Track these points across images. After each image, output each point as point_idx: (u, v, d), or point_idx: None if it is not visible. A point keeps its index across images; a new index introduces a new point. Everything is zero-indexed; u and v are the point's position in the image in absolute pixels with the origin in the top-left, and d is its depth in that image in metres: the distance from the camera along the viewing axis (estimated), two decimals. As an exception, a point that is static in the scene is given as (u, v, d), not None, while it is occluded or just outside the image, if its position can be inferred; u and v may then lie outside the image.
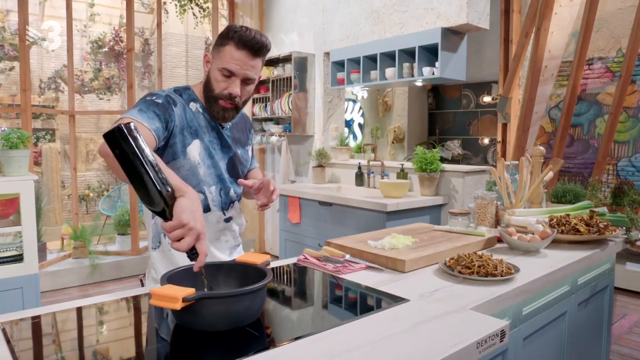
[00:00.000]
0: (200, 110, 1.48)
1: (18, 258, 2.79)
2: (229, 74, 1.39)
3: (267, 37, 1.43)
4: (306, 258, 1.64)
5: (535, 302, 1.57)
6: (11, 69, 5.49)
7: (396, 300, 1.25)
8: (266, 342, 1.05)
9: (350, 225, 3.38)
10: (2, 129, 2.71)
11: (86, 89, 6.01)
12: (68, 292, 4.05)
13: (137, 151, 0.96)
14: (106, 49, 6.24)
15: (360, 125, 6.66)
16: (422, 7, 3.52)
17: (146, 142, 1.17)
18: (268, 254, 5.33)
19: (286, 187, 4.14)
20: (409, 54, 3.60)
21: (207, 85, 1.44)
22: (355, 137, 6.60)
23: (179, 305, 0.97)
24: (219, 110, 1.44)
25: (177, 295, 0.97)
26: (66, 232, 4.66)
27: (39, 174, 5.79)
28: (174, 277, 1.13)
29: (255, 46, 1.37)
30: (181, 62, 6.73)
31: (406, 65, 3.59)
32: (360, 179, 4.05)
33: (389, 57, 3.76)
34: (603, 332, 2.18)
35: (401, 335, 1.03)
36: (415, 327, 1.08)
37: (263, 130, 5.10)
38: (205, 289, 1.11)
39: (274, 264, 1.65)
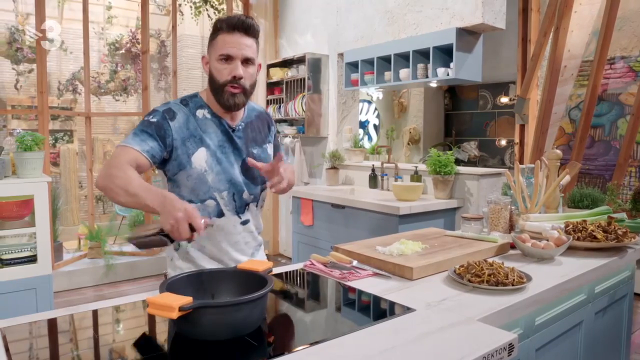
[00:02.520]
0: (209, 116, 1.49)
1: (32, 259, 2.82)
2: (227, 58, 1.41)
3: (253, 19, 1.47)
4: (313, 264, 1.62)
5: (549, 312, 1.51)
6: (30, 71, 5.59)
7: (402, 309, 1.21)
8: (265, 352, 1.03)
9: (362, 228, 3.35)
10: (17, 131, 2.74)
11: (102, 90, 6.08)
12: (83, 292, 4.10)
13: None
14: (123, 51, 6.31)
15: (375, 126, 6.61)
16: (436, 7, 3.47)
17: (138, 164, 1.37)
18: (281, 255, 5.35)
19: (299, 189, 4.12)
20: (423, 54, 3.55)
21: (211, 80, 1.46)
22: (370, 138, 6.55)
23: (175, 315, 0.95)
24: (228, 97, 1.44)
25: (174, 305, 0.95)
26: (83, 232, 4.72)
27: (57, 175, 5.88)
28: (174, 285, 1.12)
29: (243, 25, 1.42)
30: (197, 63, 6.76)
31: (420, 66, 3.54)
32: (373, 181, 4.01)
33: (403, 58, 3.71)
34: (622, 341, 2.10)
35: (405, 347, 1.00)
36: (419, 338, 1.04)
37: (277, 132, 5.09)
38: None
39: (281, 269, 1.62)
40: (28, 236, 2.96)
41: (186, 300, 0.97)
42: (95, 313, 1.24)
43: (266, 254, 5.16)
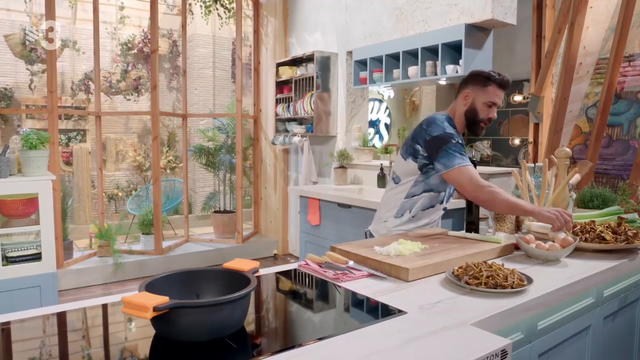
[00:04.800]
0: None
1: (37, 257, 2.83)
2: (492, 105, 1.98)
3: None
4: (307, 264, 1.57)
5: (553, 316, 1.45)
6: (44, 71, 5.64)
7: (392, 312, 1.16)
8: (245, 354, 0.99)
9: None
10: (23, 129, 2.76)
11: (113, 90, 6.12)
12: (91, 290, 4.12)
13: None
14: (135, 51, 6.35)
15: (386, 125, 6.54)
16: (445, 3, 3.39)
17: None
18: (291, 255, 5.32)
19: (306, 189, 4.08)
20: (432, 51, 3.48)
21: (472, 113, 1.99)
22: (381, 137, 6.48)
23: (149, 315, 0.92)
24: (478, 129, 2.02)
25: (148, 304, 0.92)
26: (93, 231, 4.75)
27: (70, 174, 5.94)
28: (156, 284, 1.09)
29: (507, 85, 1.98)
30: (208, 63, 6.78)
31: (429, 63, 3.47)
32: (382, 180, 3.95)
33: (412, 55, 3.64)
34: (634, 347, 2.01)
35: (390, 352, 0.95)
36: (407, 343, 1.00)
37: (286, 131, 5.07)
38: None
39: (273, 269, 1.59)
40: (35, 234, 2.98)
41: (162, 299, 0.94)
42: (73, 311, 1.22)
43: (275, 254, 5.13)
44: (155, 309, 0.92)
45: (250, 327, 1.12)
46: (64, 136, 5.98)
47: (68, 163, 5.95)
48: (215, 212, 5.61)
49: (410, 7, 3.70)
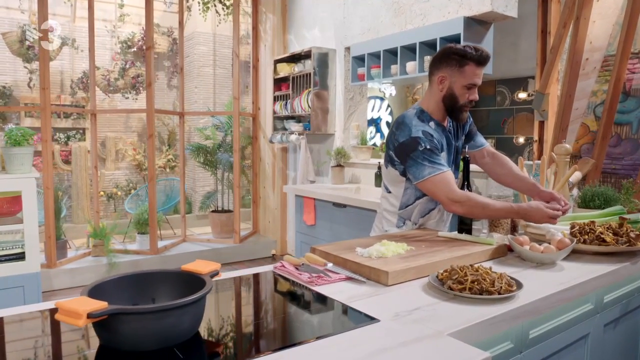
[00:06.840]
0: (434, 126, 1.82)
1: (21, 256, 2.76)
2: (472, 87, 1.75)
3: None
4: (283, 266, 1.48)
5: (546, 323, 1.34)
6: (41, 69, 5.60)
7: (363, 320, 1.06)
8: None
9: (364, 228, 3.18)
10: (7, 126, 2.69)
11: (111, 88, 6.06)
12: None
13: None
14: (135, 49, 6.29)
15: (388, 123, 6.43)
16: (444, -5, 3.28)
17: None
18: (289, 255, 5.22)
19: (302, 188, 3.99)
20: (430, 46, 3.37)
21: (451, 99, 1.78)
22: (382, 136, 6.37)
23: (82, 322, 0.83)
24: (460, 114, 1.81)
25: (80, 310, 0.83)
26: (89, 230, 4.69)
27: (69, 172, 5.89)
28: (105, 287, 1.00)
29: (486, 61, 1.73)
30: (209, 61, 6.71)
31: (427, 58, 3.36)
32: (380, 179, 3.84)
33: (410, 51, 3.53)
34: (638, 357, 1.89)
35: (352, 367, 0.85)
36: (372, 355, 0.89)
37: (284, 129, 4.97)
38: None
39: (245, 271, 1.49)
40: (21, 233, 2.91)
41: (99, 305, 0.85)
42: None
43: (273, 254, 5.03)
44: (89, 315, 0.83)
45: (205, 334, 1.02)
46: (63, 135, 5.93)
47: (67, 162, 5.91)
48: (213, 211, 5.53)
49: (408, 0, 3.59)
